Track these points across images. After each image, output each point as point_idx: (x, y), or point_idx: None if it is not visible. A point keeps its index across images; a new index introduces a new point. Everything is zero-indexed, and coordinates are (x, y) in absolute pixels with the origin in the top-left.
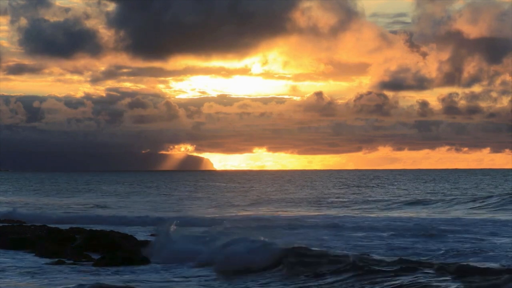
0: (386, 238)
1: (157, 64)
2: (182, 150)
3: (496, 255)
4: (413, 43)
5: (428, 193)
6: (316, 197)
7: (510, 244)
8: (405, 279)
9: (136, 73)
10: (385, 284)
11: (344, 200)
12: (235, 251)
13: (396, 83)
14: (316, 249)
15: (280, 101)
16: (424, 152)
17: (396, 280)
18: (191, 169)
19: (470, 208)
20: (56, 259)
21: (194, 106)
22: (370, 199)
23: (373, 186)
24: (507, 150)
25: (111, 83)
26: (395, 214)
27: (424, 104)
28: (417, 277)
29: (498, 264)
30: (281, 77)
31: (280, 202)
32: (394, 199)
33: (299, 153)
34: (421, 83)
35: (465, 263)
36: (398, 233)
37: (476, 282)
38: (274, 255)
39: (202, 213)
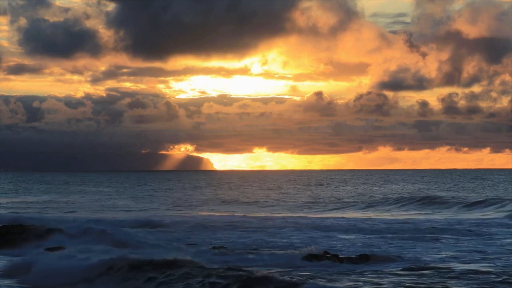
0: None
1: (157, 64)
2: (182, 150)
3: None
4: (413, 43)
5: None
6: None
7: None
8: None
9: (136, 73)
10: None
11: (285, 201)
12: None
13: (396, 83)
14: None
15: (280, 101)
16: (424, 152)
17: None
18: (191, 169)
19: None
20: None
21: (194, 106)
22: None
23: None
24: (507, 150)
25: (111, 83)
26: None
27: (424, 104)
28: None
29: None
30: (281, 77)
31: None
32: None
33: (299, 153)
34: (421, 83)
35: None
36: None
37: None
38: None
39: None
